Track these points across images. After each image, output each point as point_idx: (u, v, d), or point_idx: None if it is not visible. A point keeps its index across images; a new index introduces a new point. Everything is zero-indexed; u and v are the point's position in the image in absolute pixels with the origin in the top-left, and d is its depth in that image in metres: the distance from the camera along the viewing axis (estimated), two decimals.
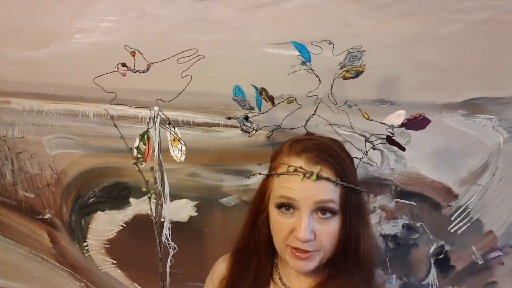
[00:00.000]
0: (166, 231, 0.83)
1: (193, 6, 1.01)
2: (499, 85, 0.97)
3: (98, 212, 1.13)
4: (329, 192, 0.73)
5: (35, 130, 1.10)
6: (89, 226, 1.14)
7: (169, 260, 0.85)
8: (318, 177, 0.72)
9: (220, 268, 0.91)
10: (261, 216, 0.81)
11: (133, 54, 0.72)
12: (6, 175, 1.13)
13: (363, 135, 0.87)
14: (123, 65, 0.73)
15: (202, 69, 1.02)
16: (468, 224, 1.02)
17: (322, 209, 0.73)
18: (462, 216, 1.02)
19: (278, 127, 0.88)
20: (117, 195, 1.11)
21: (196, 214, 1.10)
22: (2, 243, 1.17)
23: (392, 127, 0.78)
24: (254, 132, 0.86)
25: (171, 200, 1.08)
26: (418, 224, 1.04)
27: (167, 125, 0.77)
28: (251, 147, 1.00)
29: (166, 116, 0.77)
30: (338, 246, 0.75)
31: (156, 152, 0.78)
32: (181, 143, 0.77)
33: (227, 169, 1.06)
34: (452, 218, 1.03)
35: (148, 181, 0.80)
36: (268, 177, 0.80)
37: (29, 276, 1.18)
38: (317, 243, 0.73)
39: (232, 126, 1.03)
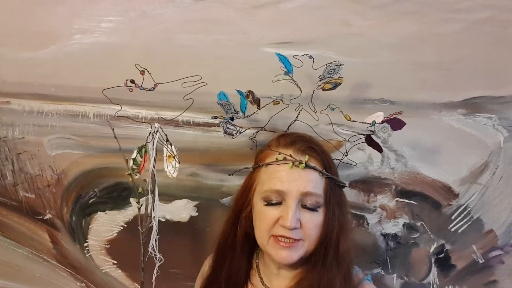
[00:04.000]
0: (153, 242, 0.85)
1: (193, 6, 1.01)
2: (499, 84, 0.97)
3: (99, 212, 1.13)
4: (315, 184, 0.76)
5: (36, 130, 1.10)
6: (90, 226, 1.14)
7: (155, 272, 0.88)
8: (307, 166, 0.76)
9: (205, 267, 0.93)
10: (244, 211, 0.82)
11: (142, 73, 0.76)
12: (7, 175, 1.14)
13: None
14: (132, 81, 0.76)
15: (202, 69, 1.03)
16: (469, 223, 1.02)
17: (308, 202, 0.76)
18: (462, 215, 1.02)
19: (262, 129, 0.90)
20: (117, 195, 1.11)
21: (196, 214, 1.10)
22: (2, 244, 1.17)
23: (374, 123, 0.82)
24: (238, 134, 0.89)
25: (171, 200, 1.09)
26: (419, 223, 1.04)
27: (165, 142, 0.81)
28: (251, 146, 1.00)
29: (165, 134, 0.82)
30: (320, 239, 0.77)
31: (151, 166, 0.82)
32: (175, 160, 0.81)
33: (227, 169, 1.06)
34: (453, 217, 1.03)
35: (140, 192, 0.84)
36: (254, 171, 0.83)
37: (30, 277, 1.18)
38: (302, 232, 0.76)
39: (234, 125, 1.03)
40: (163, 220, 1.09)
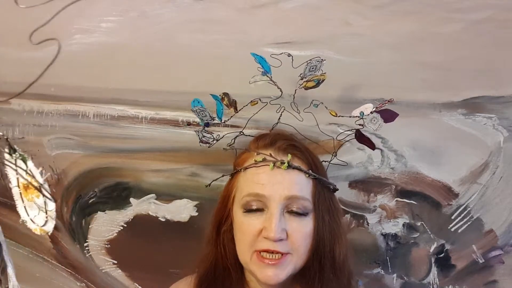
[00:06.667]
0: None
1: (193, 6, 1.01)
2: (499, 84, 0.97)
3: (99, 212, 1.13)
4: (301, 187, 0.68)
5: (35, 130, 1.09)
6: (90, 226, 1.14)
7: None
8: (290, 166, 0.68)
9: None
10: (224, 224, 0.73)
11: None
12: (7, 175, 1.13)
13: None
14: None
15: (201, 69, 1.03)
16: (469, 223, 1.02)
17: (294, 207, 0.67)
18: (462, 215, 1.02)
19: (241, 133, 0.84)
20: (117, 195, 1.11)
21: (196, 214, 1.10)
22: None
23: (362, 114, 0.76)
24: (215, 142, 0.83)
25: (171, 200, 1.08)
26: (419, 223, 1.04)
27: (7, 154, 0.40)
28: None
29: (2, 135, 0.39)
30: (311, 251, 0.68)
31: None
32: (43, 194, 0.39)
33: (227, 169, 1.06)
34: (453, 217, 1.03)
35: None
36: (232, 177, 0.75)
37: (30, 277, 1.18)
38: (289, 244, 0.67)
39: (232, 126, 1.03)
40: (163, 220, 1.09)
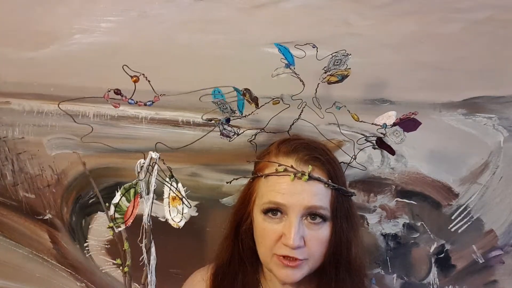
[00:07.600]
0: None
1: (193, 6, 1.01)
2: (499, 84, 0.97)
3: (99, 212, 1.13)
4: (320, 197, 0.71)
5: (35, 130, 1.09)
6: (90, 226, 1.14)
7: None
8: (310, 177, 0.69)
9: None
10: (244, 224, 0.77)
11: (135, 79, 0.54)
12: (7, 175, 1.13)
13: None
14: (117, 92, 0.55)
15: (202, 69, 1.03)
16: (469, 223, 1.02)
17: (312, 214, 0.70)
18: (462, 215, 1.02)
19: (262, 131, 0.84)
20: None
21: (196, 214, 1.10)
22: (2, 244, 1.17)
23: (385, 126, 0.76)
24: (235, 136, 0.83)
25: None
26: (419, 223, 1.04)
27: (168, 179, 0.61)
28: (252, 147, 1.00)
29: (168, 167, 0.60)
30: (327, 255, 0.72)
31: (146, 215, 0.62)
32: (183, 203, 0.61)
33: (227, 169, 1.06)
34: (453, 217, 1.03)
35: (125, 250, 0.65)
36: (253, 180, 0.77)
37: (30, 277, 1.18)
38: (306, 251, 0.71)
39: (232, 126, 1.03)
40: (163, 220, 1.09)
